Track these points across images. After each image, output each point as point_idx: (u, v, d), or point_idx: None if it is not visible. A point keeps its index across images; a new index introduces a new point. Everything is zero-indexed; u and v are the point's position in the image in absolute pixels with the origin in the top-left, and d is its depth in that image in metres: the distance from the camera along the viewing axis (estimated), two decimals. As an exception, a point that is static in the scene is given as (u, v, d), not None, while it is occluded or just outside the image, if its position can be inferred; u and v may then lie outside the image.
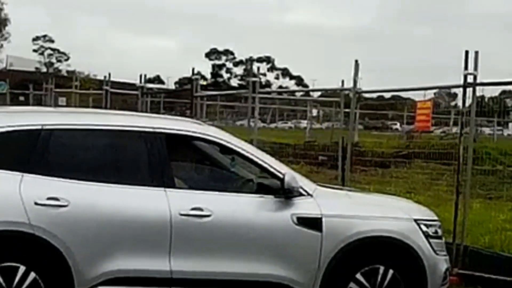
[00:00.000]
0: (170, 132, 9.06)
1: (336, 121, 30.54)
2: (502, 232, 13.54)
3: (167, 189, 8.71)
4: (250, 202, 8.98)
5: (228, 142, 9.31)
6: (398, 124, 38.79)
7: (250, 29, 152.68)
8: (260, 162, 9.17)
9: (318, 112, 36.24)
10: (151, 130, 8.96)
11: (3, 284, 8.00)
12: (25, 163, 8.46)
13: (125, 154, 9.14)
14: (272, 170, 9.04)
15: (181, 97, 27.46)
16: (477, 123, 15.84)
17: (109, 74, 24.78)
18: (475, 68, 10.99)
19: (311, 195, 9.03)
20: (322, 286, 8.95)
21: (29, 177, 8.34)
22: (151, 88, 24.48)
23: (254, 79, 15.56)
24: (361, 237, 9.11)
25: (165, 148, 8.94)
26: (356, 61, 13.36)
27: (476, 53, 10.96)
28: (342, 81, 16.32)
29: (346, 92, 15.53)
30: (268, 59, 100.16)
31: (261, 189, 9.05)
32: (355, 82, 13.70)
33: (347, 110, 18.35)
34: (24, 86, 42.35)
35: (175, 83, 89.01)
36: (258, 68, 16.10)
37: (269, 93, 34.80)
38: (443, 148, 21.21)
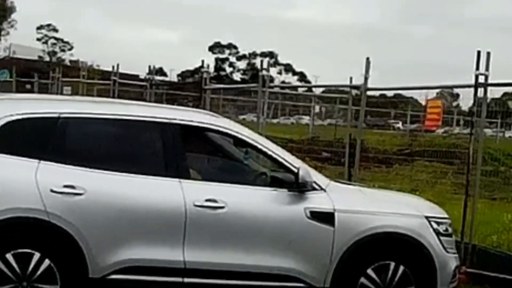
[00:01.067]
0: (186, 124, 9.11)
1: (339, 118, 30.67)
2: (510, 232, 13.58)
3: (182, 180, 8.77)
4: (264, 195, 9.02)
5: (243, 135, 9.36)
6: (400, 122, 38.84)
7: (254, 23, 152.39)
8: (274, 155, 9.21)
9: (320, 108, 36.29)
10: (167, 121, 9.01)
11: (18, 271, 8.11)
12: (42, 151, 8.53)
13: (141, 144, 9.22)
14: (286, 164, 9.08)
15: (184, 89, 27.52)
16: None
17: (118, 65, 24.85)
18: (487, 69, 11.05)
19: (324, 190, 9.08)
20: (333, 281, 8.99)
21: (45, 165, 8.41)
22: (162, 80, 24.48)
23: (264, 73, 15.62)
24: (373, 233, 9.16)
25: (180, 139, 8.99)
26: (367, 58, 13.36)
27: (488, 54, 11.00)
28: (351, 78, 16.36)
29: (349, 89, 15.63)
30: (271, 54, 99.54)
31: (275, 183, 9.10)
32: (365, 79, 13.66)
33: (353, 107, 18.47)
34: (27, 74, 42.25)
35: (178, 75, 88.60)
36: (268, 63, 16.17)
37: (280, 87, 34.68)
38: (447, 148, 21.40)
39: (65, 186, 8.32)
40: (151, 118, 9.09)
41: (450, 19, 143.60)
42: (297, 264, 8.98)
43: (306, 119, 39.41)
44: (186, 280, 8.68)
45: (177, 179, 8.80)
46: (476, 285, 11.38)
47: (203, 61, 19.33)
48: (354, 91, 18.46)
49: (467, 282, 11.09)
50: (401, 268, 9.27)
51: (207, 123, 9.42)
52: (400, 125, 38.58)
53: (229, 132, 9.41)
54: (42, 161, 8.42)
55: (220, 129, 9.39)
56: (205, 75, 18.27)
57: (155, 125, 9.08)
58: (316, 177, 9.23)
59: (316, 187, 9.09)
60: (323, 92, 29.06)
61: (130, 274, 8.58)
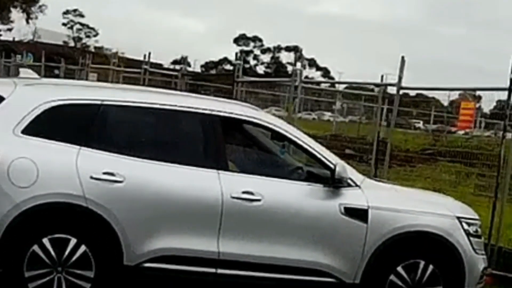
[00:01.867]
0: (226, 115, 9.12)
1: (362, 115, 30.59)
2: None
3: (220, 171, 8.76)
4: (299, 190, 9.02)
5: (281, 129, 9.34)
6: (421, 122, 38.57)
7: (279, 17, 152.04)
8: (312, 150, 9.20)
9: (342, 105, 36.11)
10: (208, 112, 9.01)
11: (54, 255, 8.16)
12: (83, 137, 8.55)
13: (181, 134, 9.22)
14: (323, 159, 9.09)
15: (212, 80, 27.63)
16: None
17: (149, 54, 24.88)
18: (521, 72, 11.05)
19: (359, 186, 9.11)
20: (364, 277, 9.03)
21: (86, 151, 8.43)
22: (192, 71, 24.66)
23: (298, 68, 15.62)
24: (405, 231, 9.18)
25: (220, 130, 9.01)
26: (403, 57, 13.31)
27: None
28: (382, 76, 16.37)
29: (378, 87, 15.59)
30: (296, 49, 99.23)
31: (310, 177, 9.11)
32: (399, 78, 13.60)
33: (371, 105, 18.45)
34: (51, 59, 42.26)
35: (201, 66, 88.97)
36: (296, 56, 16.25)
37: (315, 83, 34.65)
38: (470, 149, 21.33)
39: (105, 173, 8.33)
40: (193, 109, 9.05)
41: (479, 20, 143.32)
42: (329, 259, 8.99)
43: (327, 115, 39.29)
44: (220, 271, 8.68)
45: (215, 171, 8.77)
46: (501, 287, 11.35)
47: (236, 54, 19.51)
48: (376, 89, 18.49)
49: (492, 283, 11.03)
50: (431, 267, 9.26)
51: (247, 116, 9.40)
52: (421, 124, 38.42)
53: (269, 125, 9.40)
54: (82, 148, 8.42)
55: (260, 122, 9.36)
56: (237, 67, 18.33)
57: (196, 115, 9.06)
58: (352, 173, 9.23)
59: (351, 183, 9.09)
60: (345, 88, 29.02)
61: (164, 263, 8.59)
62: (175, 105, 9.08)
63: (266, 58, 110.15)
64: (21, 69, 9.90)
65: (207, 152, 9.03)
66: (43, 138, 8.46)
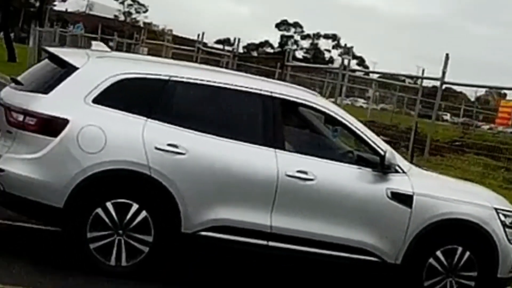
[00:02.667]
0: (286, 98, 9.24)
1: (394, 104, 30.90)
2: None
3: (277, 150, 8.88)
4: (350, 172, 9.14)
5: (336, 114, 9.46)
6: (448, 115, 38.74)
7: (320, 5, 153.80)
8: (363, 136, 9.35)
9: (374, 92, 36.36)
10: (269, 94, 9.15)
11: (116, 219, 8.38)
12: (150, 110, 8.70)
13: (242, 113, 9.33)
14: (374, 145, 9.24)
15: (252, 61, 28.04)
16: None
17: (203, 34, 25.45)
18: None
19: (406, 173, 9.26)
20: (404, 259, 9.18)
21: (152, 123, 8.57)
22: (244, 52, 25.23)
23: (346, 57, 15.87)
24: (446, 218, 9.36)
25: (279, 112, 9.13)
26: (447, 54, 13.47)
27: None
28: (423, 70, 16.61)
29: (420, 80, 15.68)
30: (334, 37, 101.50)
31: (360, 161, 9.21)
32: (443, 73, 13.75)
33: (404, 95, 18.57)
34: (102, 31, 42.44)
35: (243, 47, 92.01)
36: (346, 47, 16.61)
37: (360, 72, 34.88)
38: (496, 144, 21.53)
39: (169, 145, 8.46)
40: (255, 90, 9.18)
41: (506, 20, 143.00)
42: (374, 240, 9.15)
43: (360, 102, 39.49)
44: (271, 243, 8.82)
45: (272, 149, 8.87)
46: None
47: (282, 38, 19.72)
48: (408, 80, 18.76)
49: None
50: (467, 253, 9.42)
51: (305, 100, 9.50)
52: (448, 117, 38.60)
53: (324, 110, 9.50)
54: (149, 119, 8.55)
55: (317, 106, 9.48)
56: (288, 52, 18.68)
57: (258, 96, 9.16)
58: (400, 160, 9.35)
59: (399, 170, 9.21)
60: (379, 77, 29.20)
61: (219, 233, 8.72)
62: (239, 85, 9.18)
63: (305, 44, 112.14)
64: (93, 42, 10.04)
65: (266, 132, 9.09)
66: (112, 108, 8.59)
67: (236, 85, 9.24)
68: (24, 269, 8.54)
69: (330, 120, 9.67)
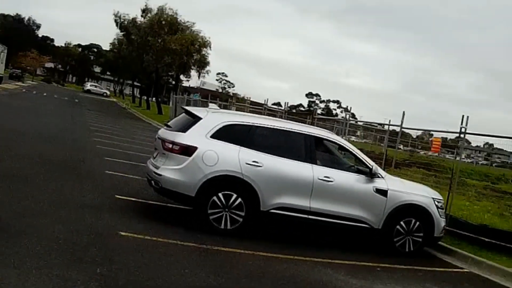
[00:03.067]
0: (316, 135, 11.96)
1: (371, 139, 36.47)
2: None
3: (313, 165, 11.52)
4: (352, 178, 11.85)
5: (345, 144, 12.21)
6: (402, 146, 46.29)
7: (328, 83, 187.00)
8: (360, 157, 12.00)
9: (361, 133, 43.49)
10: (307, 133, 11.83)
11: (224, 202, 10.98)
12: (242, 142, 11.25)
13: (293, 144, 11.67)
14: (366, 162, 11.96)
15: (294, 115, 35.11)
16: None
17: (267, 100, 33.37)
18: None
19: (383, 178, 12.18)
20: (383, 225, 11.97)
21: (244, 149, 11.18)
22: (293, 111, 32.50)
23: (346, 113, 20.33)
24: (406, 203, 12.17)
25: (313, 143, 11.71)
26: (403, 112, 17.52)
27: None
28: (389, 120, 20.54)
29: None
30: (338, 101, 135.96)
31: (358, 171, 11.96)
32: (402, 122, 17.42)
33: (379, 134, 22.10)
34: (207, 97, 52.82)
35: (287, 107, 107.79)
36: (346, 108, 21.30)
37: (353, 121, 41.95)
38: (429, 162, 26.93)
39: (253, 161, 11.08)
40: (299, 131, 11.78)
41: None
42: (366, 215, 11.84)
43: (353, 138, 45.35)
44: (310, 217, 11.44)
45: (310, 164, 11.46)
46: (448, 235, 14.11)
47: (309, 103, 28.13)
48: (379, 126, 23.22)
49: (445, 234, 13.66)
50: (418, 223, 12.27)
51: (326, 136, 12.21)
52: (401, 147, 45.76)
53: (337, 141, 12.14)
54: (242, 147, 11.18)
55: (334, 140, 12.10)
56: (314, 109, 23.51)
57: (301, 134, 11.70)
58: (380, 171, 12.08)
59: (380, 176, 12.09)
60: (364, 124, 34.84)
61: (281, 211, 11.23)
62: (291, 128, 11.81)
63: (322, 105, 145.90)
64: (210, 104, 13.11)
65: (307, 154, 11.50)
66: (222, 141, 11.11)
67: (289, 128, 11.82)
68: (174, 229, 10.75)
69: (341, 148, 12.30)
